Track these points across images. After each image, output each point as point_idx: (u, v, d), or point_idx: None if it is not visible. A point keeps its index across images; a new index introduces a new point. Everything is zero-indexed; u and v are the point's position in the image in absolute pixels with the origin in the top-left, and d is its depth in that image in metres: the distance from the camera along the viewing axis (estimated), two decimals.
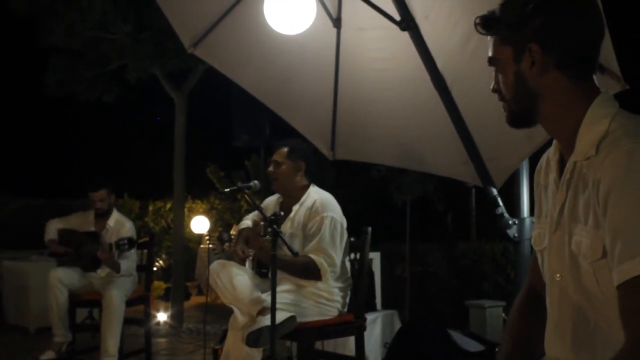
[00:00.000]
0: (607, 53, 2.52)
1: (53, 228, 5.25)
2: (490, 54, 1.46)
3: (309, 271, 3.45)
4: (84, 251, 5.04)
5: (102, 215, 5.23)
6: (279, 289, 3.18)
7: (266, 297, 3.28)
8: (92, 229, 5.18)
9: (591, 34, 1.38)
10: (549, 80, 1.38)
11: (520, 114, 1.45)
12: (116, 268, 4.93)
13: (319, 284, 3.50)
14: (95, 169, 13.93)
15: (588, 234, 1.30)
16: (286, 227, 3.56)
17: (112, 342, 4.80)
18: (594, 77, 1.40)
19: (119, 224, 5.18)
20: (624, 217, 1.20)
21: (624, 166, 1.22)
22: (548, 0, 1.36)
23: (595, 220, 1.28)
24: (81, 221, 5.28)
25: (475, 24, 1.46)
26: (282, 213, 3.30)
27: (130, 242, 4.83)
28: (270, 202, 3.87)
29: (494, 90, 1.49)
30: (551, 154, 1.51)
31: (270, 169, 3.73)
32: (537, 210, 1.56)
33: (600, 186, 1.26)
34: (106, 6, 6.95)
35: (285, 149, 3.72)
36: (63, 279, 4.93)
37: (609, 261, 1.24)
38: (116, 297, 4.85)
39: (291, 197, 3.70)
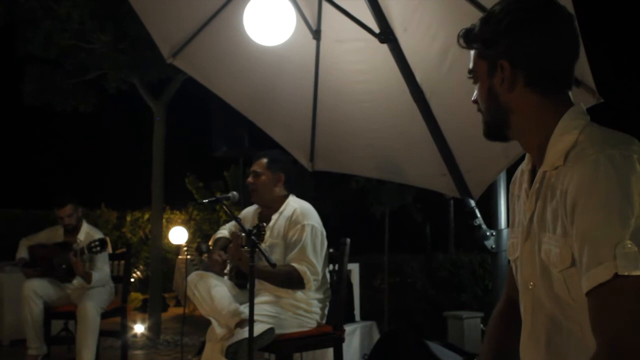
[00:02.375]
0: (582, 67, 2.56)
1: (23, 247, 5.21)
2: (470, 66, 1.51)
3: (293, 280, 3.44)
4: (56, 262, 4.98)
5: (72, 230, 5.16)
6: (257, 300, 3.17)
7: (244, 308, 3.26)
8: (62, 240, 5.12)
9: (563, 52, 1.42)
10: (519, 96, 1.42)
11: (494, 127, 1.50)
12: (87, 278, 4.86)
13: (298, 295, 3.49)
14: (66, 180, 13.80)
15: (557, 242, 1.33)
16: (265, 237, 3.55)
17: (87, 354, 4.74)
18: (569, 92, 1.44)
19: (89, 237, 5.07)
20: (590, 225, 1.23)
21: (589, 175, 1.25)
22: (520, 19, 1.40)
23: (563, 229, 1.31)
24: (50, 236, 5.21)
25: (458, 37, 1.51)
26: (264, 224, 3.30)
27: (102, 243, 4.77)
28: (248, 212, 3.85)
29: (475, 101, 1.53)
30: (524, 165, 1.55)
31: (250, 179, 3.71)
32: (511, 220, 1.60)
33: (567, 195, 1.29)
34: (84, 15, 6.91)
35: (265, 160, 3.71)
36: (38, 290, 4.86)
37: (578, 269, 1.27)
38: (91, 309, 4.79)
39: (270, 208, 3.70)
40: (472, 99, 1.53)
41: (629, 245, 1.18)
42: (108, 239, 5.24)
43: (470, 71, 1.51)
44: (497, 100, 1.45)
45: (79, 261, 4.77)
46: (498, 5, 1.45)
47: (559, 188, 1.32)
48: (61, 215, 5.12)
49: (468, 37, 1.49)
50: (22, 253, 5.18)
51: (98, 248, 4.77)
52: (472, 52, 1.50)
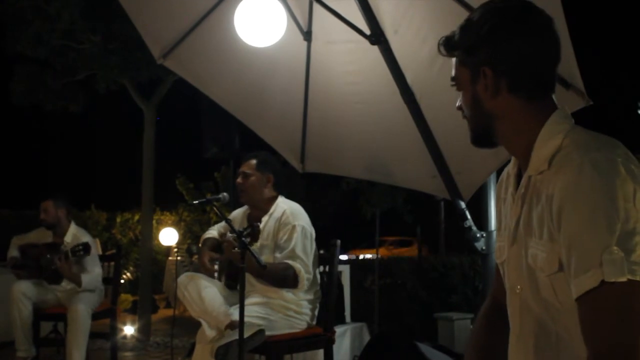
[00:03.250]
0: (572, 70, 2.57)
1: (14, 245, 5.17)
2: (452, 74, 1.50)
3: (289, 278, 3.44)
4: (44, 263, 4.95)
5: (53, 228, 5.13)
6: (247, 301, 3.17)
7: (234, 310, 3.26)
8: (50, 240, 5.10)
9: (544, 57, 1.41)
10: (502, 102, 1.41)
11: (480, 133, 1.49)
12: (76, 280, 4.84)
13: (288, 297, 3.49)
14: (55, 181, 13.74)
15: (544, 247, 1.33)
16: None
17: (77, 356, 4.71)
18: (553, 96, 1.43)
19: (76, 239, 5.04)
20: (577, 231, 1.22)
21: (574, 181, 1.24)
22: (500, 25, 1.40)
23: (549, 234, 1.31)
24: (40, 236, 5.18)
25: (438, 45, 1.50)
26: (259, 224, 3.30)
27: (86, 248, 4.74)
28: (238, 214, 3.85)
29: (459, 108, 1.52)
30: (510, 168, 1.54)
31: (239, 180, 3.71)
32: (498, 223, 1.60)
33: (553, 201, 1.28)
34: (74, 15, 6.88)
35: (254, 161, 3.71)
36: (26, 292, 4.83)
37: (566, 275, 1.26)
38: (82, 311, 4.76)
39: (259, 209, 3.70)
40: (457, 105, 1.52)
41: (616, 251, 1.17)
42: (98, 241, 5.22)
43: (452, 79, 1.50)
44: (482, 107, 1.44)
45: (65, 264, 4.75)
46: (477, 12, 1.44)
47: (545, 193, 1.32)
48: (40, 209, 5.10)
49: (448, 45, 1.48)
50: (14, 252, 5.13)
51: (81, 252, 4.74)
52: (454, 60, 1.49)
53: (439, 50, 1.50)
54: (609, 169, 1.23)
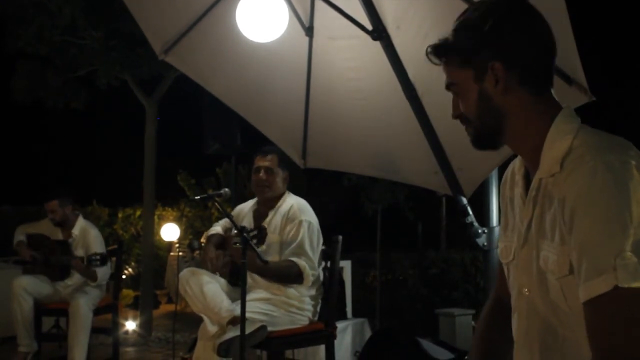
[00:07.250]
0: (574, 65, 2.57)
1: (22, 231, 5.16)
2: (447, 80, 1.46)
3: (293, 275, 3.45)
4: (53, 260, 4.96)
5: (63, 224, 5.15)
6: (249, 297, 3.17)
7: (236, 306, 3.26)
8: (60, 236, 5.11)
9: (546, 49, 1.40)
10: (514, 97, 1.39)
11: (486, 133, 1.45)
12: (92, 277, 4.87)
13: (290, 293, 3.49)
14: (57, 177, 13.74)
15: (555, 249, 1.31)
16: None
17: (79, 352, 4.73)
18: (552, 91, 1.42)
19: (84, 232, 5.10)
20: (589, 234, 1.20)
21: (587, 184, 1.22)
22: (504, 19, 1.38)
23: (561, 236, 1.29)
24: (48, 228, 5.19)
25: (427, 53, 1.46)
26: (266, 227, 3.31)
27: (103, 259, 4.75)
28: (243, 209, 3.85)
29: (455, 117, 1.48)
30: (516, 168, 1.51)
31: (262, 176, 3.69)
32: (503, 222, 1.57)
33: (565, 203, 1.26)
34: (75, 12, 6.87)
35: (276, 157, 3.73)
36: (28, 288, 4.84)
37: (575, 278, 1.24)
38: (83, 306, 4.78)
39: (267, 205, 3.71)
40: (453, 115, 1.48)
41: (629, 256, 1.15)
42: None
43: (449, 84, 1.46)
44: (491, 105, 1.40)
45: (82, 267, 4.77)
46: (473, 11, 1.42)
47: (556, 196, 1.30)
48: (47, 209, 5.11)
49: (443, 50, 1.45)
50: (20, 236, 5.12)
51: (98, 262, 4.74)
52: (446, 66, 1.45)
53: (429, 58, 1.46)
54: (623, 172, 1.21)
